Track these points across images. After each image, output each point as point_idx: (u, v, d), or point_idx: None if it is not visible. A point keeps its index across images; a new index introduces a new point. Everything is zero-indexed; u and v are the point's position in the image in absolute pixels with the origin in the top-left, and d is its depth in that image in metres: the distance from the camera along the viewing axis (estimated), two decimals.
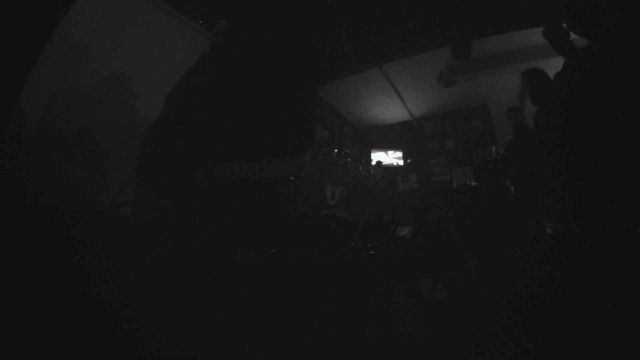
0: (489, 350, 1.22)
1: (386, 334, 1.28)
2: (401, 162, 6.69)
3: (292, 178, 1.56)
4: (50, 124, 2.14)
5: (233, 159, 1.36)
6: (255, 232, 1.53)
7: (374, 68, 4.96)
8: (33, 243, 1.34)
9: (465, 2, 3.65)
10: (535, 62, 4.22)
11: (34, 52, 1.44)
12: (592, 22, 1.85)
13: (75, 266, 1.30)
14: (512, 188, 3.90)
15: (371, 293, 1.46)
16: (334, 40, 3.95)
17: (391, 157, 6.65)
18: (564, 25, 2.13)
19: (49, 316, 1.13)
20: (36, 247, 1.32)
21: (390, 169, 6.63)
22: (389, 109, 6.59)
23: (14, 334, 1.05)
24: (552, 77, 2.38)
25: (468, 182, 5.82)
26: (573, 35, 2.11)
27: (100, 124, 2.39)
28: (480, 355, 1.21)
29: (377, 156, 6.47)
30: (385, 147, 6.69)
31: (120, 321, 1.18)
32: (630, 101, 1.73)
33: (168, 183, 1.45)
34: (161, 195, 1.49)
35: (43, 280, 1.22)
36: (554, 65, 2.54)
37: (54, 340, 1.08)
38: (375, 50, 4.41)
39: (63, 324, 1.12)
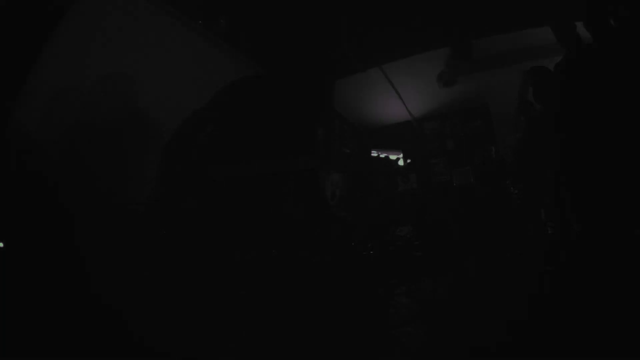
0: (489, 350, 1.22)
1: (386, 334, 1.28)
2: (401, 162, 6.68)
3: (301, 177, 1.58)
4: (49, 124, 2.14)
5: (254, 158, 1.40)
6: (255, 232, 1.52)
7: (374, 68, 4.95)
8: (33, 242, 1.33)
9: (466, 1, 3.65)
10: (536, 62, 4.21)
11: (34, 52, 1.44)
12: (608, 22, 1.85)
13: (76, 265, 1.30)
14: (512, 188, 3.89)
15: (371, 293, 1.47)
16: (334, 40, 3.95)
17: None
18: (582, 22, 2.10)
19: (51, 313, 1.13)
20: (36, 246, 1.32)
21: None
22: (389, 109, 6.58)
23: (14, 330, 1.05)
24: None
25: (468, 182, 5.81)
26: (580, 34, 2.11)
27: (100, 124, 2.39)
28: (480, 355, 1.21)
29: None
30: (385, 147, 6.68)
31: (122, 319, 1.18)
32: (633, 101, 1.73)
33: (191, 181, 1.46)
34: (182, 192, 1.50)
35: (45, 279, 1.22)
36: (554, 65, 2.53)
37: (55, 337, 1.08)
38: (375, 50, 4.41)
39: (65, 321, 1.12)
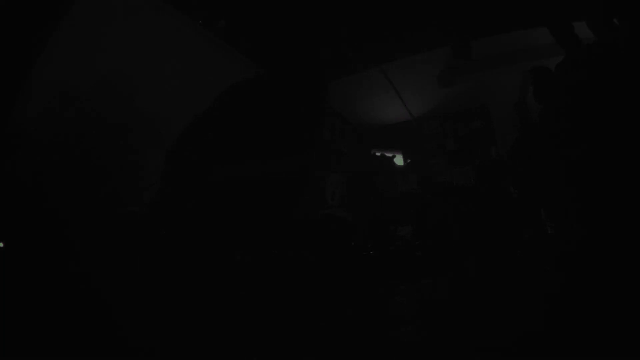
0: (489, 350, 1.22)
1: (386, 334, 1.28)
2: (401, 162, 6.69)
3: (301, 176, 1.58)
4: (49, 124, 2.14)
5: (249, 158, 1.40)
6: (255, 233, 1.53)
7: (374, 68, 4.95)
8: (33, 242, 1.33)
9: (466, 1, 3.65)
10: (536, 62, 4.21)
11: (34, 52, 1.44)
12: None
13: (76, 265, 1.30)
14: (512, 188, 3.89)
15: (371, 293, 1.47)
16: (334, 40, 3.95)
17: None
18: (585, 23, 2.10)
19: (51, 314, 1.13)
20: (36, 246, 1.32)
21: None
22: (389, 109, 6.58)
23: (14, 330, 1.05)
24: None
25: (468, 182, 5.81)
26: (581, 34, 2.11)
27: (100, 124, 2.39)
28: (480, 355, 1.21)
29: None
30: (385, 147, 6.69)
31: (121, 320, 1.18)
32: (635, 102, 1.73)
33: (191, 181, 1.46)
34: (182, 192, 1.49)
35: (45, 279, 1.22)
36: (554, 65, 2.54)
37: (54, 338, 1.08)
38: (375, 50, 4.41)
39: (65, 322, 1.12)
